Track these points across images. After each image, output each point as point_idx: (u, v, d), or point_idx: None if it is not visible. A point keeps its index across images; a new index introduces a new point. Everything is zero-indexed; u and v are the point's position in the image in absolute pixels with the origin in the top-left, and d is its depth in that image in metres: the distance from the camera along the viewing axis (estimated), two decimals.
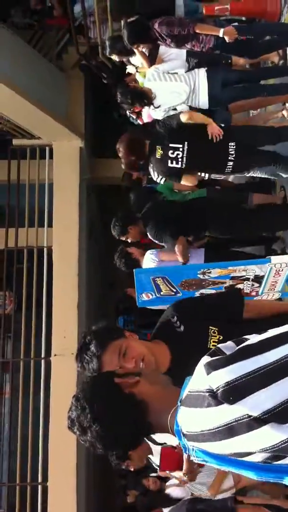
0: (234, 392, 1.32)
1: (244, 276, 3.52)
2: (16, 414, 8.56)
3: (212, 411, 1.35)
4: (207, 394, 1.36)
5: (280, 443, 1.28)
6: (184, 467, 3.25)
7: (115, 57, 5.67)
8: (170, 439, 3.94)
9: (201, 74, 4.75)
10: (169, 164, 4.22)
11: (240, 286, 3.63)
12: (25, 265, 9.04)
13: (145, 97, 4.79)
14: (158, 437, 4.13)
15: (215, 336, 2.22)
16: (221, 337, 2.19)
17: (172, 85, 4.79)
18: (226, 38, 4.64)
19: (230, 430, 1.32)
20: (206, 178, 4.98)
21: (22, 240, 9.05)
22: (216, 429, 1.34)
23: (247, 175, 4.70)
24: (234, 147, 4.20)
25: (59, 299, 8.53)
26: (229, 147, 4.21)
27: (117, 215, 5.20)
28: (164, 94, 4.78)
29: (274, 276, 3.47)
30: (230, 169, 4.25)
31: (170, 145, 4.19)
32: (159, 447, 4.18)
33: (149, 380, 1.62)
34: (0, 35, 7.70)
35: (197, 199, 5.02)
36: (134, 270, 3.71)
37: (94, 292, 11.11)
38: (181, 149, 4.17)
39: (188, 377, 1.53)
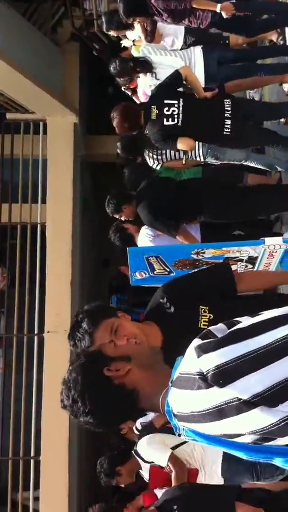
0: (224, 375, 1.33)
1: (238, 257, 3.52)
2: (9, 389, 8.61)
3: (202, 394, 1.36)
4: (197, 377, 1.37)
5: (269, 426, 1.30)
6: (173, 484, 3.30)
7: (112, 33, 5.58)
8: (158, 459, 4.01)
9: (197, 51, 4.71)
10: (165, 122, 4.14)
11: (233, 267, 3.63)
12: (19, 241, 9.01)
13: (146, 64, 4.73)
14: (146, 455, 4.19)
15: (206, 316, 2.23)
16: (212, 316, 2.21)
17: (168, 59, 4.75)
18: (223, 14, 4.58)
19: (219, 412, 1.33)
20: (202, 162, 4.92)
21: (15, 216, 9.01)
22: (206, 411, 1.36)
23: (244, 163, 4.67)
24: (230, 103, 4.13)
25: (53, 276, 8.53)
26: (225, 103, 4.15)
27: (111, 193, 5.16)
28: (161, 68, 4.72)
29: (267, 258, 3.47)
30: (228, 130, 4.10)
31: (165, 101, 4.15)
32: (148, 465, 4.25)
33: (140, 363, 1.63)
34: None
35: (193, 180, 4.96)
36: (127, 248, 3.70)
37: (88, 270, 11.10)
38: (176, 105, 4.12)
39: (179, 357, 1.54)
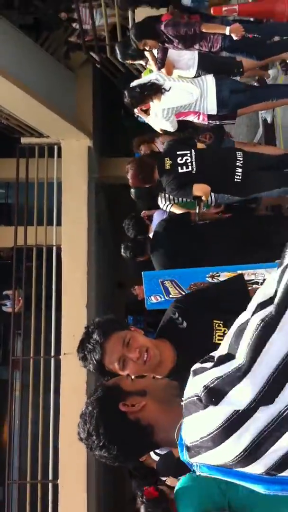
0: (213, 394, 1.34)
1: (253, 280, 3.52)
2: (26, 411, 8.62)
3: (203, 415, 1.37)
4: (195, 398, 1.39)
5: (275, 419, 1.30)
6: None
7: (129, 61, 5.65)
8: None
9: (209, 79, 4.75)
10: (179, 171, 4.24)
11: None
12: (34, 264, 9.08)
13: (154, 86, 4.75)
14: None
15: (220, 330, 2.20)
16: (226, 330, 2.18)
17: (183, 85, 4.80)
18: (233, 36, 4.63)
19: (225, 430, 1.33)
20: (213, 204, 4.91)
21: (31, 238, 9.10)
22: (213, 433, 1.35)
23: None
24: (242, 155, 4.27)
25: (68, 298, 8.56)
26: (237, 154, 4.30)
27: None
28: (174, 90, 4.75)
29: None
30: (239, 178, 4.22)
31: (178, 152, 4.27)
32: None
33: (156, 398, 1.64)
34: (7, 34, 7.72)
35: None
36: (142, 273, 3.72)
37: (103, 291, 11.13)
38: (189, 154, 4.25)
39: None
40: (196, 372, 1.44)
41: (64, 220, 8.92)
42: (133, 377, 1.68)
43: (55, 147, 9.37)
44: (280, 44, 5.16)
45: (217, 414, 1.34)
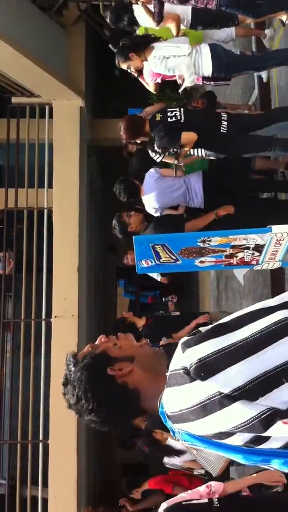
0: (205, 368, 1.35)
1: (245, 244, 3.49)
2: (17, 373, 8.67)
3: (187, 388, 1.38)
4: (182, 371, 1.40)
5: (250, 420, 1.31)
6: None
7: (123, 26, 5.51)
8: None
9: (204, 46, 4.72)
10: (169, 120, 4.46)
11: (240, 254, 3.60)
12: (25, 226, 9.01)
13: (145, 39, 4.80)
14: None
15: None
16: None
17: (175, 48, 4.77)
18: None
19: (204, 409, 1.35)
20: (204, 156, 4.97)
21: (22, 201, 9.00)
22: (193, 408, 1.37)
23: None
24: (227, 114, 4.57)
25: (60, 261, 8.53)
26: (222, 114, 4.59)
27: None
28: (164, 43, 4.77)
29: (274, 245, 3.44)
30: (225, 129, 4.44)
31: (168, 109, 4.55)
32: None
33: (142, 365, 1.65)
34: None
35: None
36: (133, 237, 3.68)
37: (95, 255, 11.10)
38: (178, 111, 4.51)
39: None
40: (188, 344, 1.44)
41: (56, 182, 8.81)
42: (119, 345, 1.68)
43: (47, 107, 9.18)
44: (278, 3, 5.03)
45: (201, 390, 1.35)
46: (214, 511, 2.43)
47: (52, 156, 8.92)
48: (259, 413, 1.30)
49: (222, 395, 1.32)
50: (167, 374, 1.51)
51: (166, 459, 5.17)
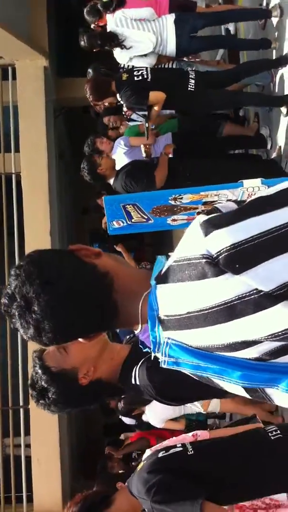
0: (243, 257, 1.00)
1: (217, 201, 3.46)
2: None
3: (207, 284, 1.03)
4: (204, 260, 1.03)
5: None
6: None
7: None
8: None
9: (169, 23, 4.61)
10: (135, 79, 4.44)
11: None
12: None
13: (114, 39, 4.81)
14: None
15: None
16: None
17: (139, 34, 4.72)
18: None
19: (230, 310, 1.03)
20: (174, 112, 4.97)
21: None
22: (211, 309, 1.04)
23: None
24: (193, 72, 4.62)
25: (31, 227, 8.39)
26: (189, 71, 4.64)
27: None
28: (131, 41, 4.78)
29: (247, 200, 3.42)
30: (193, 86, 4.45)
31: (135, 68, 4.60)
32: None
33: (114, 258, 1.31)
34: None
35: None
36: (103, 198, 3.62)
37: (67, 218, 10.97)
38: (144, 69, 4.51)
39: (160, 256, 1.25)
40: (214, 224, 1.03)
41: (22, 146, 8.58)
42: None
43: (9, 68, 8.89)
44: None
45: (230, 286, 1.01)
46: (189, 459, 2.20)
47: (17, 119, 8.68)
48: None
49: (261, 293, 1.00)
50: (169, 265, 1.15)
51: (145, 416, 5.22)
